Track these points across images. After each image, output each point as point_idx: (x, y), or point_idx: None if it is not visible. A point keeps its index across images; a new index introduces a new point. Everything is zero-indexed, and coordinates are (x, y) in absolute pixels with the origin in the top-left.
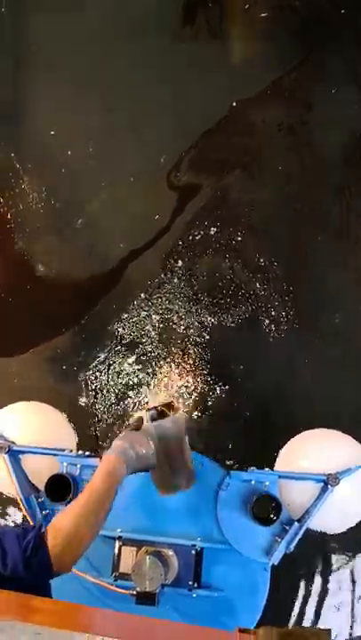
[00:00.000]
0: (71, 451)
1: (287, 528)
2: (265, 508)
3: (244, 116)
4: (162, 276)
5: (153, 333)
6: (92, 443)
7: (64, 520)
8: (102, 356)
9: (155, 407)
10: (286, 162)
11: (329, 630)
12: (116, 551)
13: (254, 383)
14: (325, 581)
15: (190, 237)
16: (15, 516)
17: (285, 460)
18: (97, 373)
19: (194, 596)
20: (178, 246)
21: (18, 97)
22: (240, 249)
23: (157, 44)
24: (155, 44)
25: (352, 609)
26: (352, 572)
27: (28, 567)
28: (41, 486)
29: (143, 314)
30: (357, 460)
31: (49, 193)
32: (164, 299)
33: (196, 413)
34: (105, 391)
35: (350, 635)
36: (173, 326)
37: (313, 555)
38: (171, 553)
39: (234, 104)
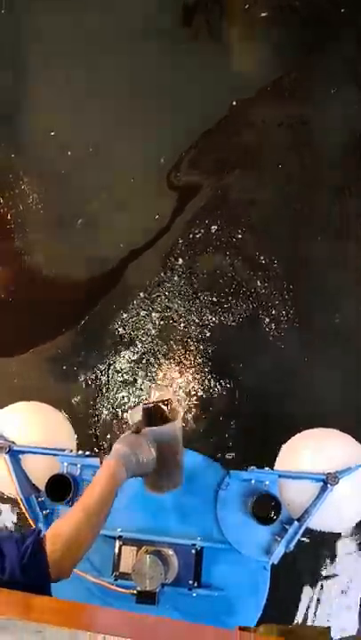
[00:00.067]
0: (71, 451)
1: (287, 527)
2: (265, 508)
3: (244, 115)
4: (162, 274)
5: (153, 332)
6: (92, 443)
7: (64, 525)
8: (102, 355)
9: (152, 403)
10: (286, 161)
11: (329, 628)
12: (117, 551)
13: (254, 382)
14: (327, 580)
15: (190, 236)
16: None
17: (285, 459)
18: (97, 373)
19: (194, 595)
20: (178, 245)
21: (18, 97)
22: (240, 248)
23: (158, 44)
24: (155, 44)
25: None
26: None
27: (25, 572)
28: (41, 486)
29: (143, 313)
30: (357, 460)
31: (49, 193)
32: (163, 297)
33: (195, 412)
34: (105, 391)
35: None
36: (173, 325)
37: (313, 554)
38: (171, 552)
39: (234, 104)
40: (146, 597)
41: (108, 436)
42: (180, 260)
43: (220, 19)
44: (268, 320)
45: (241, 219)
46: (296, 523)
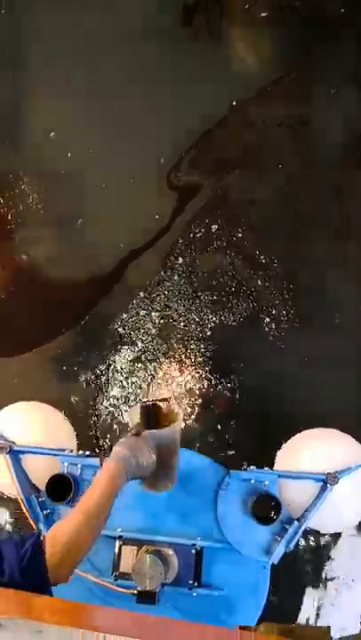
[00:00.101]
0: (72, 451)
1: (287, 527)
2: (265, 508)
3: (245, 115)
4: (162, 273)
5: (153, 332)
6: (92, 443)
7: (64, 528)
8: (102, 355)
9: (150, 401)
10: (286, 161)
11: (329, 628)
12: (117, 550)
13: (254, 382)
14: (328, 579)
15: (191, 235)
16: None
17: (285, 459)
18: (97, 373)
19: (194, 594)
20: (178, 244)
21: (18, 99)
22: (240, 248)
23: (158, 44)
24: (155, 44)
25: None
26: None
27: (24, 575)
28: (42, 486)
29: (143, 313)
30: (357, 460)
31: (49, 194)
32: (163, 296)
33: (195, 412)
34: (105, 391)
35: None
36: (173, 324)
37: (314, 553)
38: (171, 552)
39: (234, 104)
40: (146, 597)
41: (109, 436)
42: (180, 260)
43: (220, 19)
44: (268, 320)
45: (241, 218)
46: (296, 522)
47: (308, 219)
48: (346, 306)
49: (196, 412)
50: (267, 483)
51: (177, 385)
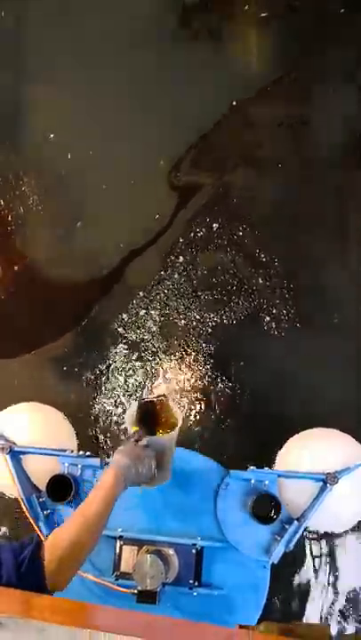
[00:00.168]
0: (72, 451)
1: (287, 527)
2: (264, 507)
3: (245, 115)
4: (162, 273)
5: (153, 331)
6: (92, 443)
7: (62, 535)
8: (103, 356)
9: (148, 399)
10: (286, 161)
11: (328, 627)
12: (117, 550)
13: (254, 382)
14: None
15: (191, 234)
16: None
17: (285, 459)
18: (98, 373)
19: (194, 594)
20: (179, 243)
21: (17, 100)
22: (240, 247)
23: (158, 44)
24: (155, 44)
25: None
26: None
27: (21, 581)
28: (42, 486)
29: (143, 312)
30: (356, 459)
31: (49, 195)
32: (163, 295)
33: (195, 411)
34: (106, 391)
35: None
36: (174, 323)
37: (314, 553)
38: (171, 552)
39: (234, 103)
40: (147, 597)
41: (109, 437)
42: (181, 258)
43: (220, 19)
44: (268, 319)
45: (241, 218)
46: (296, 522)
47: (309, 218)
48: (346, 306)
49: (197, 411)
50: (267, 482)
51: (177, 384)
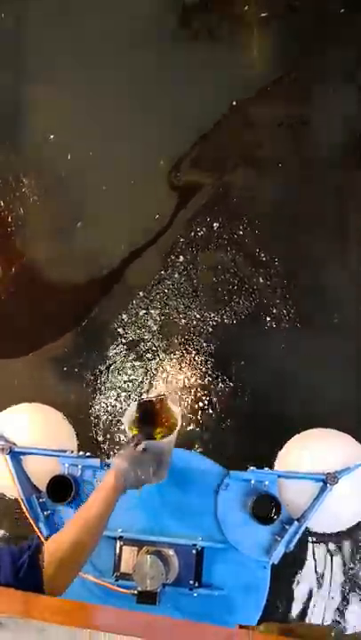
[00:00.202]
0: (72, 452)
1: (287, 527)
2: (265, 508)
3: (245, 115)
4: (162, 272)
5: (153, 331)
6: (92, 444)
7: (61, 539)
8: (103, 356)
9: (147, 399)
10: (286, 162)
11: (329, 627)
12: (117, 551)
13: (254, 381)
14: (327, 578)
15: (192, 234)
16: None
17: (285, 459)
18: (98, 374)
19: (195, 595)
20: (179, 243)
21: (17, 102)
22: (240, 247)
23: (158, 44)
24: (155, 44)
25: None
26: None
27: (19, 586)
28: (42, 487)
29: (143, 313)
30: (356, 460)
31: (49, 196)
32: (163, 295)
33: (195, 412)
34: (106, 392)
35: None
36: (174, 323)
37: (315, 553)
38: (171, 552)
39: (234, 103)
40: (147, 597)
41: (109, 437)
42: (182, 258)
43: (220, 19)
44: (269, 318)
45: (241, 218)
46: (296, 522)
47: (309, 218)
48: (346, 306)
49: (197, 411)
50: (267, 483)
51: (177, 384)
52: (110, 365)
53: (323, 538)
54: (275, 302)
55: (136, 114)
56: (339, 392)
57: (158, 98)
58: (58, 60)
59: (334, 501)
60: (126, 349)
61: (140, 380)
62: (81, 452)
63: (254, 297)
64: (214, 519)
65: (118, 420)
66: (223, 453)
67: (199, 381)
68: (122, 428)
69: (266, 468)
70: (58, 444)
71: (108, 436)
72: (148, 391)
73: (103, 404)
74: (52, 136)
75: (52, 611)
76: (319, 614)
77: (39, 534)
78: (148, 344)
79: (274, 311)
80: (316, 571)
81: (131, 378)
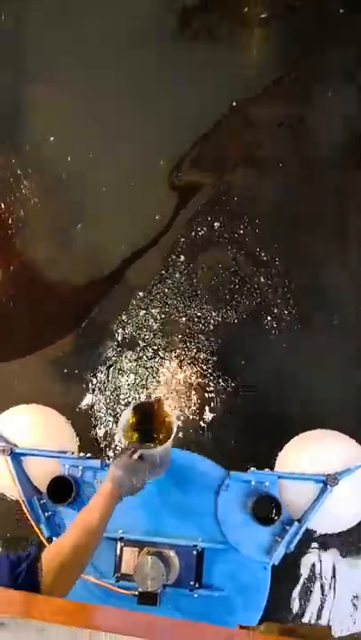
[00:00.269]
0: (73, 453)
1: (287, 528)
2: (265, 508)
3: (245, 115)
4: (163, 272)
5: (154, 332)
6: (93, 445)
7: (59, 548)
8: (103, 357)
9: (142, 402)
10: (286, 161)
11: (329, 627)
12: (118, 552)
13: (255, 381)
14: (328, 579)
15: (192, 233)
16: None
17: (285, 460)
18: (98, 375)
19: (195, 596)
20: (180, 243)
21: (17, 104)
22: (241, 247)
23: (158, 45)
24: (155, 44)
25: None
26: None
27: None
28: (43, 488)
29: (144, 313)
30: (356, 461)
31: (49, 198)
32: (163, 294)
33: (196, 412)
34: (106, 393)
35: None
36: (174, 323)
37: (315, 554)
38: (172, 553)
39: (234, 104)
40: (147, 598)
41: (109, 438)
42: (182, 258)
43: (220, 19)
44: (269, 318)
45: (241, 218)
46: (296, 523)
47: (309, 218)
48: (346, 306)
49: (197, 412)
50: (267, 484)
51: (177, 383)
52: (111, 366)
53: (324, 538)
54: (275, 302)
55: (136, 114)
56: (339, 392)
57: (158, 98)
58: (58, 59)
59: (335, 502)
60: (127, 350)
61: (141, 380)
62: (81, 453)
63: (255, 297)
64: (215, 520)
65: (118, 421)
66: (223, 453)
67: (200, 381)
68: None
69: (266, 469)
70: (58, 446)
71: (109, 437)
72: (147, 392)
73: (104, 405)
74: (52, 138)
75: (53, 611)
76: (321, 615)
77: (40, 535)
78: (149, 344)
79: (275, 311)
80: (317, 571)
81: (131, 378)
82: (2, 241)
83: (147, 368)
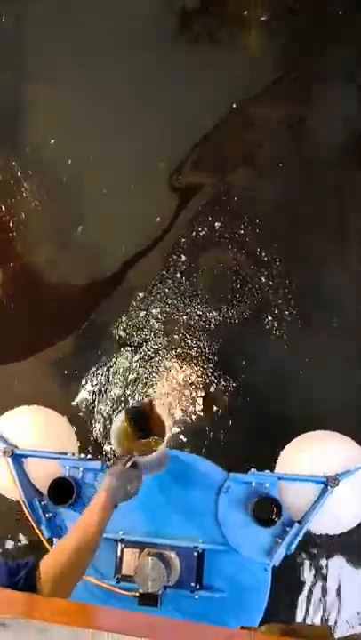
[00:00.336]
0: (73, 454)
1: (288, 529)
2: (265, 510)
3: (245, 116)
4: (164, 272)
5: (154, 333)
6: (93, 446)
7: (56, 556)
8: (103, 359)
9: (136, 405)
10: (286, 162)
11: (330, 627)
12: (119, 553)
13: (256, 381)
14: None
15: (193, 234)
16: None
17: (285, 461)
18: (98, 377)
19: (196, 597)
20: (181, 243)
21: (17, 104)
22: (241, 247)
23: (158, 46)
24: (155, 46)
25: None
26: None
27: None
28: (44, 489)
29: (144, 314)
30: (357, 462)
31: (50, 201)
32: (163, 295)
33: (196, 413)
34: (106, 394)
35: None
36: (175, 324)
37: (315, 554)
38: (173, 555)
39: (234, 105)
40: (148, 599)
41: (110, 439)
42: (183, 258)
43: (221, 20)
44: (270, 318)
45: (241, 218)
46: (297, 525)
47: (309, 218)
48: (346, 307)
49: (197, 412)
50: (267, 485)
51: (177, 384)
52: (111, 367)
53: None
54: (276, 302)
55: (136, 115)
56: (339, 392)
57: (158, 98)
58: (58, 59)
59: (335, 503)
60: (127, 351)
61: (141, 381)
62: (82, 455)
63: (255, 297)
64: (215, 521)
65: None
66: (224, 453)
67: (200, 381)
68: None
69: (266, 471)
70: (59, 447)
71: (110, 438)
72: (147, 393)
73: (104, 406)
74: (52, 141)
75: (55, 611)
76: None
77: (41, 536)
78: (150, 345)
79: (275, 311)
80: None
81: (132, 380)
82: (3, 243)
83: (147, 369)
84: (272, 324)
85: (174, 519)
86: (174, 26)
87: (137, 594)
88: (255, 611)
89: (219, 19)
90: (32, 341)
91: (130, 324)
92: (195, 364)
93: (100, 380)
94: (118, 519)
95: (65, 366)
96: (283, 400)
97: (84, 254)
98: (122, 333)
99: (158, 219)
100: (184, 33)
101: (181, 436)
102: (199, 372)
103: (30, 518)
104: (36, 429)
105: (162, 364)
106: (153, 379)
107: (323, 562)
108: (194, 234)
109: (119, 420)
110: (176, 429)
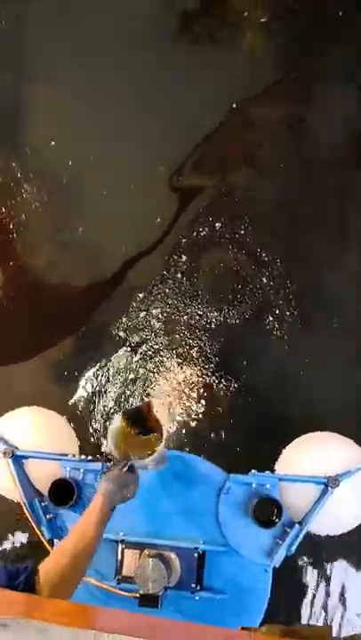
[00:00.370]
0: (74, 455)
1: (288, 530)
2: (266, 511)
3: (245, 116)
4: (164, 273)
5: (155, 333)
6: (94, 447)
7: (55, 559)
8: (104, 360)
9: (134, 407)
10: (287, 162)
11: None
12: (119, 554)
13: (256, 384)
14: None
15: (194, 234)
16: None
17: (286, 462)
18: (99, 378)
19: (196, 598)
20: (181, 244)
21: (18, 107)
22: (242, 247)
23: (158, 46)
24: (155, 46)
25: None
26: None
27: None
28: (44, 491)
29: (144, 314)
30: (357, 463)
31: (50, 201)
32: (164, 295)
33: (196, 414)
34: (107, 395)
35: None
36: (175, 325)
37: (316, 555)
38: (173, 556)
39: (234, 105)
40: (149, 600)
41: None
42: (184, 258)
43: (221, 21)
44: (271, 319)
45: (241, 218)
46: (297, 525)
47: (309, 218)
48: (346, 307)
49: (198, 413)
50: (268, 486)
51: (177, 384)
52: (111, 368)
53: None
54: (277, 302)
55: (136, 115)
56: (340, 392)
57: (158, 99)
58: (58, 59)
59: (336, 504)
60: (127, 352)
61: (142, 382)
62: (82, 456)
63: (256, 297)
64: (216, 522)
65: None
66: (224, 453)
67: (201, 382)
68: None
69: (267, 472)
70: (59, 448)
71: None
72: (147, 393)
73: (104, 408)
74: (52, 142)
75: (55, 612)
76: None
77: (41, 537)
78: (150, 345)
79: (276, 311)
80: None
81: (132, 381)
82: (3, 244)
83: (147, 369)
84: (273, 325)
85: (175, 520)
86: (174, 26)
87: (137, 595)
88: (255, 612)
89: (219, 19)
90: (32, 342)
91: (130, 324)
92: (195, 364)
93: (101, 380)
94: (119, 520)
95: (65, 367)
96: (283, 400)
97: (84, 255)
98: (122, 334)
99: (158, 219)
100: (184, 33)
101: (182, 437)
102: (200, 373)
103: (31, 519)
104: (37, 430)
105: (162, 365)
106: (153, 379)
107: (323, 563)
108: (194, 234)
109: (117, 421)
110: (176, 430)
